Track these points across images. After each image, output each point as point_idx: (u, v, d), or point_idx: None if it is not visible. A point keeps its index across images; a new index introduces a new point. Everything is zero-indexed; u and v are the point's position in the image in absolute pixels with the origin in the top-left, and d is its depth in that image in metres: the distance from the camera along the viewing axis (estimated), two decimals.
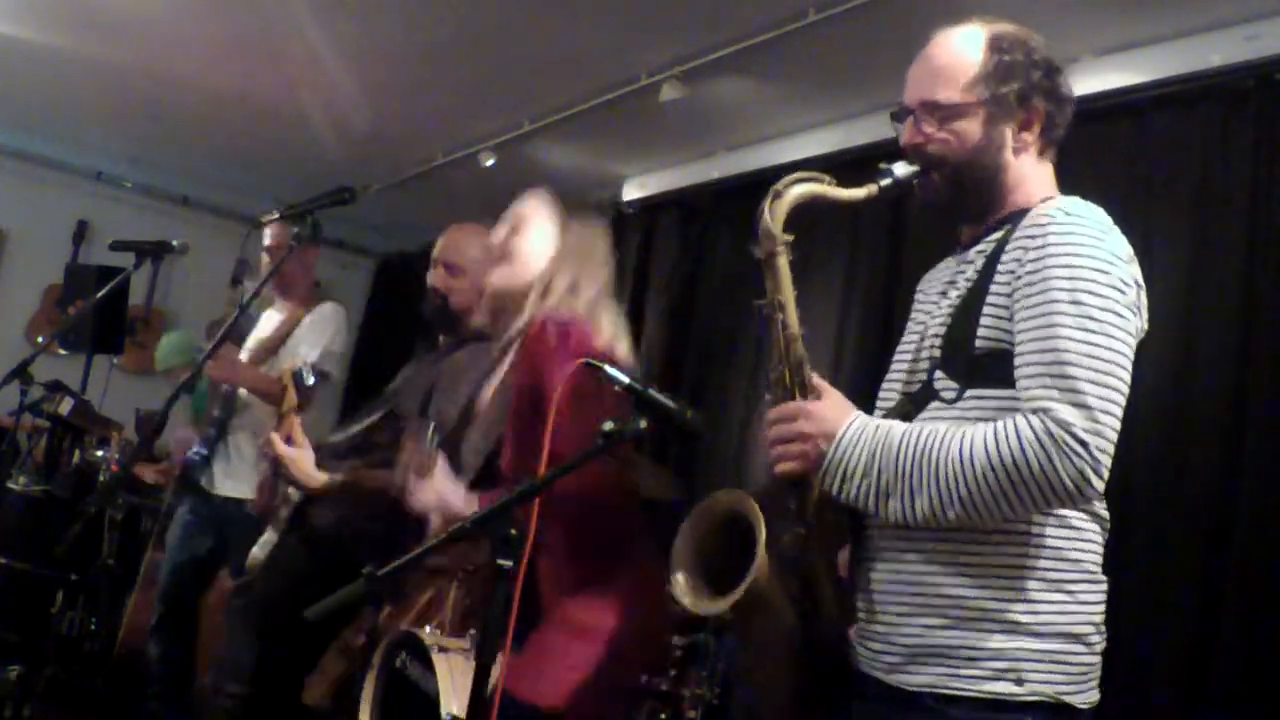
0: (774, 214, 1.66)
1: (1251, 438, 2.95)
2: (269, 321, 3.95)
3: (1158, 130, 3.42)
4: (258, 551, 2.87)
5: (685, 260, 5.29)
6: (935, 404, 1.59)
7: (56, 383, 4.69)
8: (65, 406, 4.83)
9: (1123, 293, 1.49)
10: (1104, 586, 1.58)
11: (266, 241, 3.89)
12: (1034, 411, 1.43)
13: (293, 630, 2.69)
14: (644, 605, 2.19)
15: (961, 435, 1.47)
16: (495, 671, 1.65)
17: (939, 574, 1.53)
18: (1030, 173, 1.67)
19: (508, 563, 1.59)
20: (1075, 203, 1.58)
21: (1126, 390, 1.47)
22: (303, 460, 2.67)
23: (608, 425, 1.71)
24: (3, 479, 4.56)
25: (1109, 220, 1.57)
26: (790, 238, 1.67)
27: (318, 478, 2.69)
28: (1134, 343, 1.51)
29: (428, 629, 3.66)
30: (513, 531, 1.60)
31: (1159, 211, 3.32)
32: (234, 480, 3.64)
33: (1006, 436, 1.43)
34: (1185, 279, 3.20)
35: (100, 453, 4.95)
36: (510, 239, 2.32)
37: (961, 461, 1.45)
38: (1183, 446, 3.06)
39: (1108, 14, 3.43)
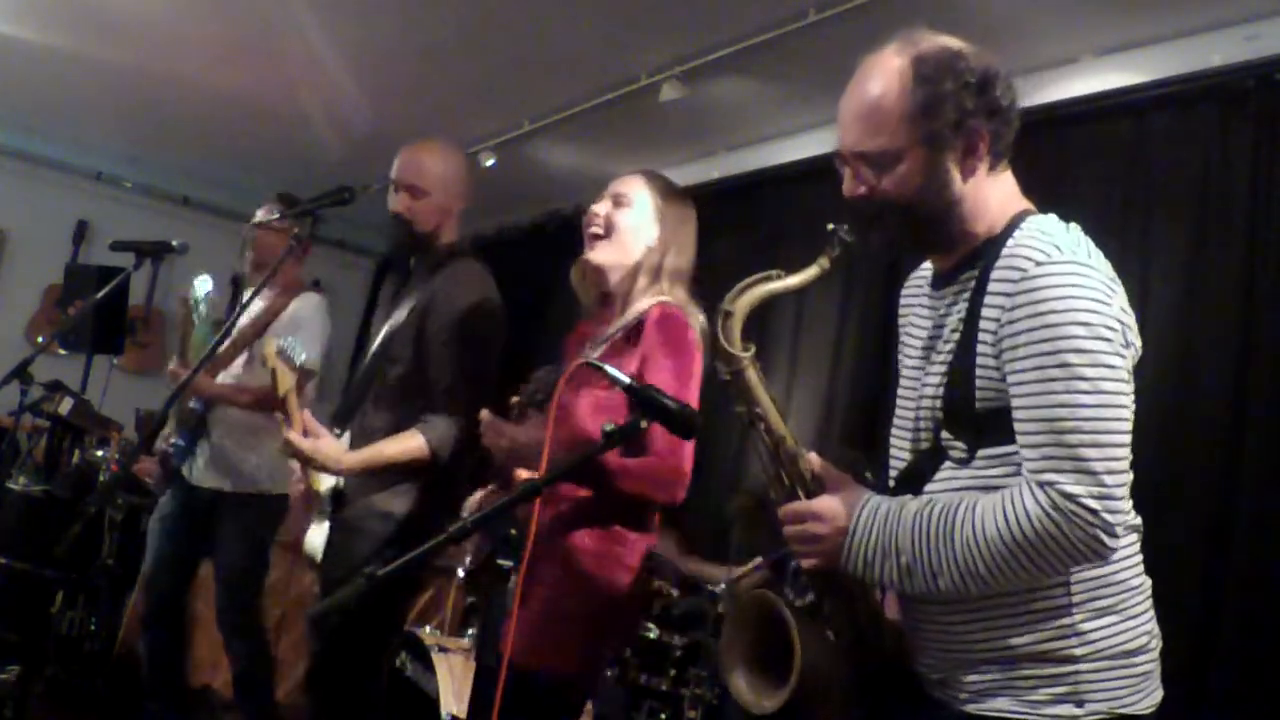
0: (728, 334, 1.63)
1: (1251, 438, 2.95)
2: (255, 307, 3.90)
3: (1158, 130, 3.43)
4: (315, 538, 2.81)
5: None
6: (948, 465, 1.58)
7: (56, 383, 4.69)
8: (65, 406, 4.83)
9: (1109, 340, 1.44)
10: (1148, 589, 1.58)
11: (256, 237, 3.85)
12: (1040, 485, 1.42)
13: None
14: (641, 579, 2.26)
15: (972, 516, 1.47)
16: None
17: (987, 629, 1.54)
18: (988, 194, 1.58)
19: (508, 563, 1.59)
20: (1045, 240, 1.49)
21: (1129, 438, 1.46)
22: (326, 447, 2.56)
23: (608, 425, 1.72)
24: (3, 479, 4.55)
25: (1083, 245, 1.51)
26: (751, 351, 1.63)
27: (346, 459, 2.59)
28: (1128, 383, 1.47)
29: (428, 629, 3.66)
30: (513, 531, 1.60)
31: (1159, 211, 3.32)
32: (215, 472, 3.62)
33: (1016, 515, 1.42)
34: (1185, 279, 3.20)
35: (100, 453, 4.94)
36: (612, 214, 2.32)
37: (975, 542, 1.45)
38: (1183, 446, 3.06)
39: (1108, 14, 3.43)
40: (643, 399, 1.81)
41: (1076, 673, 1.49)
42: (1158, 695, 1.55)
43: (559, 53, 4.43)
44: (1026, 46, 3.62)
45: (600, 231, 2.32)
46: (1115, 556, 1.52)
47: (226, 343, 3.58)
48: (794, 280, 1.63)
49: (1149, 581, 1.58)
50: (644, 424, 1.79)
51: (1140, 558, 1.58)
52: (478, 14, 4.25)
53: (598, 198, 2.38)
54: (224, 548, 3.60)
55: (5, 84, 5.88)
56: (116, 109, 6.06)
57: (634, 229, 2.31)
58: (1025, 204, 1.62)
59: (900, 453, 1.69)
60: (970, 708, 1.55)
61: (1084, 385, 1.42)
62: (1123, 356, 1.47)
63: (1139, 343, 1.55)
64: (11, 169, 6.73)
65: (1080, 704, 1.49)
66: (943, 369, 1.59)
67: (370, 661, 2.81)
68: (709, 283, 5.92)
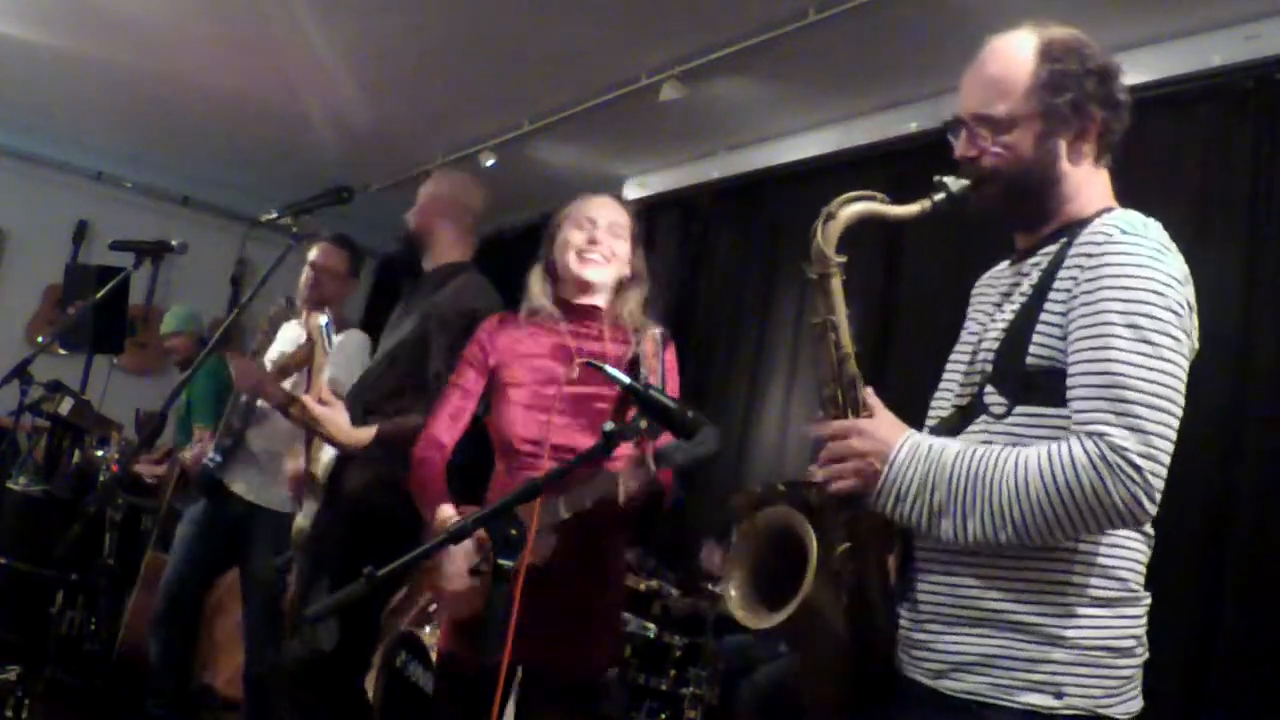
0: (826, 236, 1.65)
1: (1251, 437, 2.96)
2: (289, 335, 3.93)
3: (1158, 130, 3.43)
4: (301, 521, 2.85)
5: (685, 260, 5.29)
6: (984, 418, 1.58)
7: (56, 383, 4.69)
8: (65, 406, 4.83)
9: (1179, 315, 1.48)
10: (1146, 602, 1.57)
11: (313, 257, 3.88)
12: (1089, 435, 1.42)
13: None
14: None
15: (1015, 458, 1.47)
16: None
17: (984, 588, 1.53)
18: (1086, 181, 1.65)
19: (508, 563, 1.59)
20: (1133, 219, 1.56)
21: (1180, 414, 1.47)
22: (337, 418, 2.63)
23: (608, 425, 1.72)
24: (3, 479, 4.56)
25: (1166, 238, 1.55)
26: (843, 259, 1.66)
27: (353, 434, 2.66)
28: (1187, 365, 1.49)
29: (427, 629, 3.66)
30: (513, 532, 1.60)
31: (1159, 212, 3.31)
32: (249, 485, 3.64)
33: (1061, 461, 1.42)
34: None
35: (100, 453, 4.94)
36: (613, 244, 2.47)
37: (1016, 485, 1.45)
38: (1183, 446, 3.05)
39: (1108, 14, 3.43)
40: (643, 399, 1.81)
41: (1057, 660, 1.48)
42: (1136, 705, 1.54)
43: (559, 53, 4.43)
44: None
45: (603, 260, 2.45)
46: (1124, 555, 1.53)
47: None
48: (897, 210, 1.66)
49: (1149, 596, 1.57)
50: (644, 424, 1.79)
51: (1144, 568, 1.57)
52: (478, 14, 4.25)
53: (580, 221, 2.48)
54: (255, 562, 3.61)
55: (5, 84, 5.88)
56: (116, 109, 6.06)
57: (626, 254, 2.49)
58: (1114, 205, 1.67)
59: (941, 410, 1.70)
60: (943, 685, 1.54)
61: (1148, 349, 1.44)
62: (1186, 337, 1.49)
63: (1197, 343, 1.57)
64: (11, 169, 6.73)
65: (1058, 695, 1.47)
66: (1004, 325, 1.61)
67: (355, 659, 2.87)
68: (708, 282, 5.94)
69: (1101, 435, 1.41)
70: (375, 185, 6.10)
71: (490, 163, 5.33)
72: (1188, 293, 1.52)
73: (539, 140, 5.23)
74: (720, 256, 5.18)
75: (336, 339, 3.63)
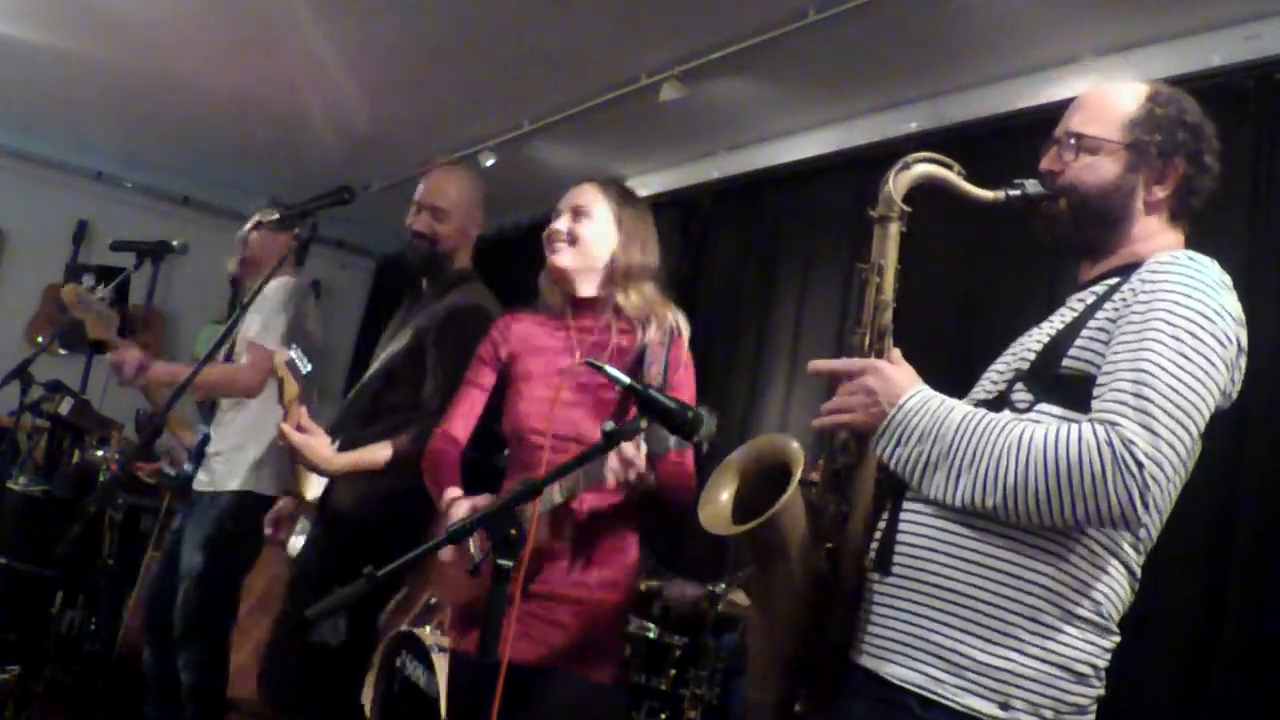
0: (897, 183, 1.69)
1: (1252, 438, 2.95)
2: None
3: None
4: (296, 541, 2.85)
5: (685, 260, 5.29)
6: (1006, 413, 1.59)
7: (56, 383, 4.69)
8: (65, 406, 4.83)
9: (1224, 346, 1.50)
10: (1114, 640, 1.56)
11: (250, 236, 3.81)
12: (1102, 423, 1.43)
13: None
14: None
15: (1023, 428, 1.48)
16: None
17: (960, 572, 1.52)
18: (1158, 232, 1.67)
19: (508, 563, 1.59)
20: (1201, 256, 1.59)
21: (1196, 437, 1.47)
22: (318, 445, 2.61)
23: (608, 425, 1.72)
24: (3, 479, 4.56)
25: (1229, 280, 1.59)
26: (908, 209, 1.69)
27: (335, 460, 2.64)
28: (1219, 398, 1.51)
29: (428, 629, 3.66)
30: (513, 531, 1.60)
31: None
32: (209, 478, 3.62)
33: (1068, 438, 1.43)
34: None
35: (100, 453, 4.94)
36: (574, 227, 2.43)
37: (1017, 450, 1.45)
38: None
39: (1108, 14, 3.43)
40: (643, 399, 1.80)
41: (1009, 670, 1.47)
42: None
43: (559, 53, 4.43)
44: (1026, 46, 3.62)
45: (564, 244, 2.43)
46: (1107, 580, 1.53)
47: (224, 347, 3.58)
48: (969, 187, 1.70)
49: (1118, 637, 1.57)
50: (644, 424, 1.79)
51: (1123, 606, 1.57)
52: (478, 14, 4.25)
53: (555, 214, 2.47)
54: (186, 546, 3.58)
55: (5, 84, 5.88)
56: (116, 109, 6.06)
57: (596, 237, 2.43)
58: None
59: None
60: (887, 669, 1.53)
61: (1186, 364, 1.45)
62: (1227, 370, 1.51)
63: (1236, 391, 1.58)
64: (11, 169, 6.73)
65: (1004, 706, 1.47)
66: (1049, 333, 1.63)
67: (356, 661, 2.87)
68: (708, 282, 5.93)
69: (1114, 425, 1.42)
70: (375, 185, 6.10)
71: (490, 163, 5.33)
72: (1240, 332, 1.55)
73: (539, 140, 5.23)
74: (720, 256, 5.18)
75: (271, 285, 3.56)
